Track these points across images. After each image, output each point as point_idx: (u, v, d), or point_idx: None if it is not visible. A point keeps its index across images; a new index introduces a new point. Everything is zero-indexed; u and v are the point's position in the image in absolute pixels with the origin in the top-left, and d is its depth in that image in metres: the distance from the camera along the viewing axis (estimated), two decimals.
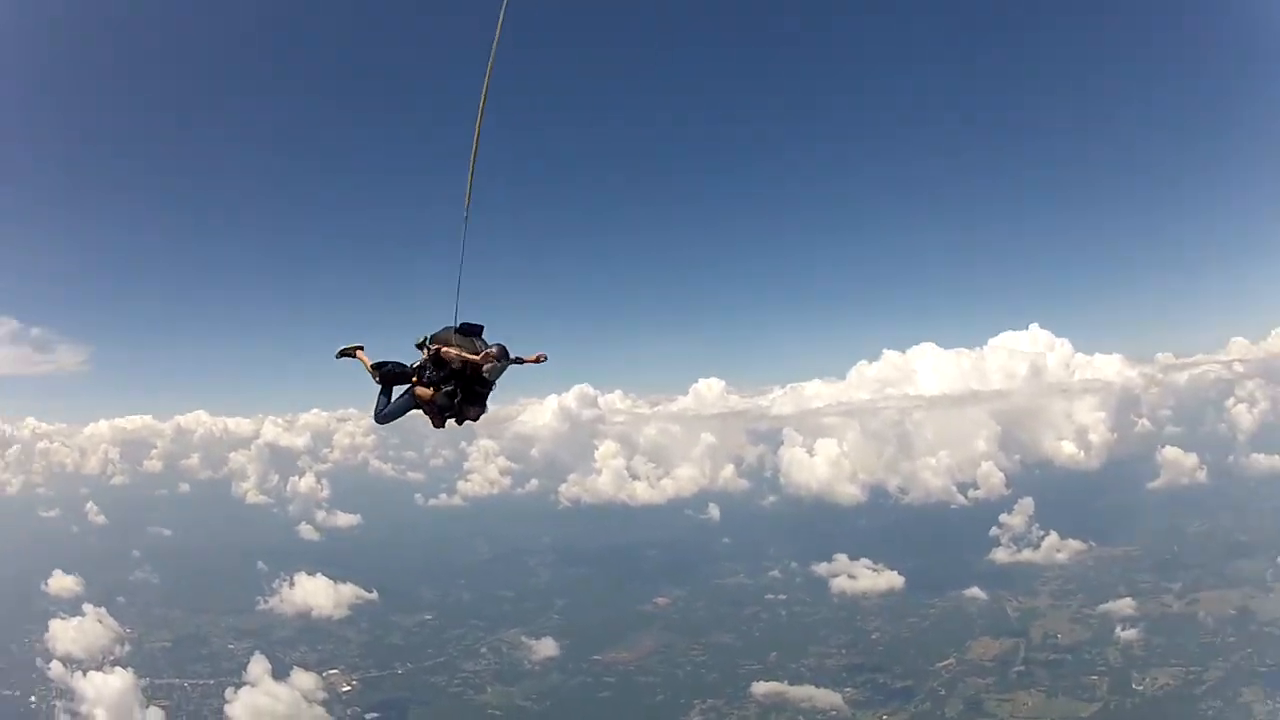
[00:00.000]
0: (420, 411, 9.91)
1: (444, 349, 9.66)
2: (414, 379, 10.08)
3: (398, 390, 10.34)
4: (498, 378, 9.60)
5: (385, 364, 10.53)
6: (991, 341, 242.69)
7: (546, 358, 10.19)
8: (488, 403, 9.85)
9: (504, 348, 9.52)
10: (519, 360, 9.87)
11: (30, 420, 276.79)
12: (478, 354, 9.45)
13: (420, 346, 10.39)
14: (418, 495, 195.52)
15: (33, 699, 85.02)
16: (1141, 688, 73.91)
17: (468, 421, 9.84)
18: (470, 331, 10.04)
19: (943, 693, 77.20)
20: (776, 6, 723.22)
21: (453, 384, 9.55)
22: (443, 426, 9.84)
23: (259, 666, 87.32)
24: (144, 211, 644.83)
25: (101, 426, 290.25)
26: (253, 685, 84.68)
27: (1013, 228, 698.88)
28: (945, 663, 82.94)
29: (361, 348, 11.02)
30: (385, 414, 10.34)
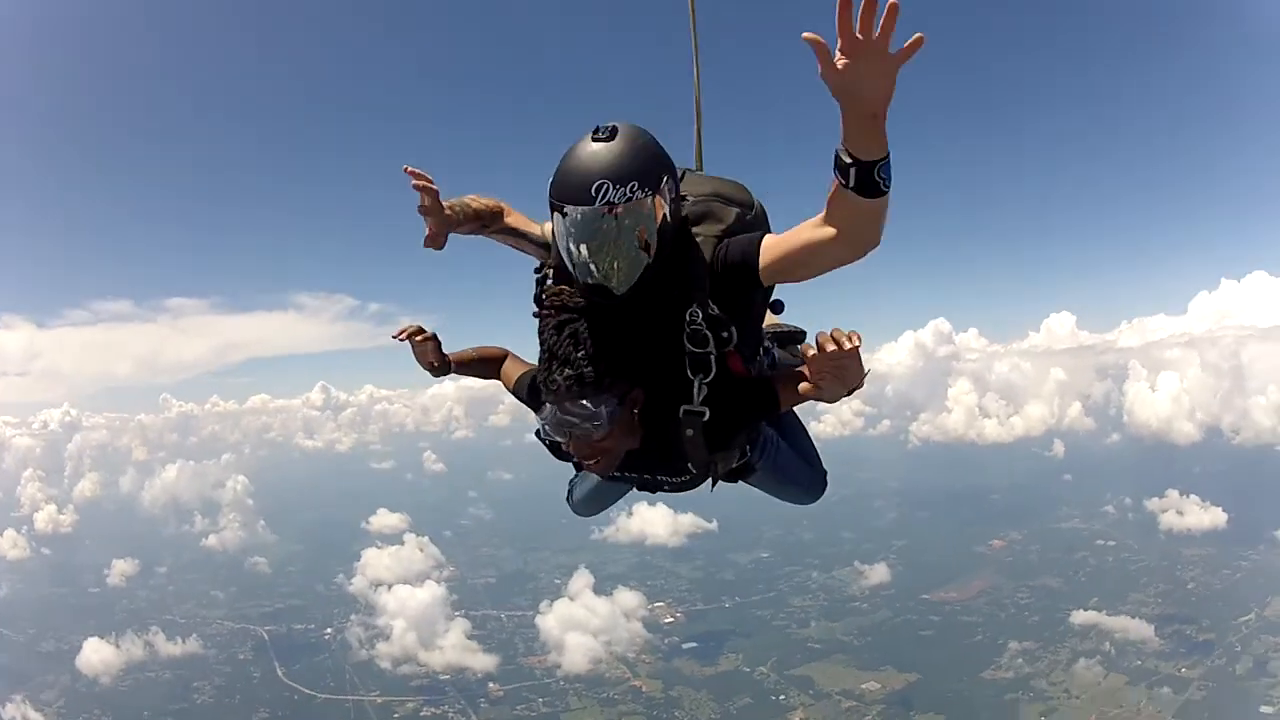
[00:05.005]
0: None
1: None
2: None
3: None
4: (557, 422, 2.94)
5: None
6: None
7: None
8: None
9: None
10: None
11: (369, 387, 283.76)
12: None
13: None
14: None
15: (328, 631, 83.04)
16: None
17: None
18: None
19: (1238, 649, 78.19)
20: None
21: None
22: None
23: (581, 581, 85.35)
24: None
25: (446, 387, 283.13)
26: (570, 599, 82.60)
27: None
28: (1245, 618, 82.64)
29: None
30: None
